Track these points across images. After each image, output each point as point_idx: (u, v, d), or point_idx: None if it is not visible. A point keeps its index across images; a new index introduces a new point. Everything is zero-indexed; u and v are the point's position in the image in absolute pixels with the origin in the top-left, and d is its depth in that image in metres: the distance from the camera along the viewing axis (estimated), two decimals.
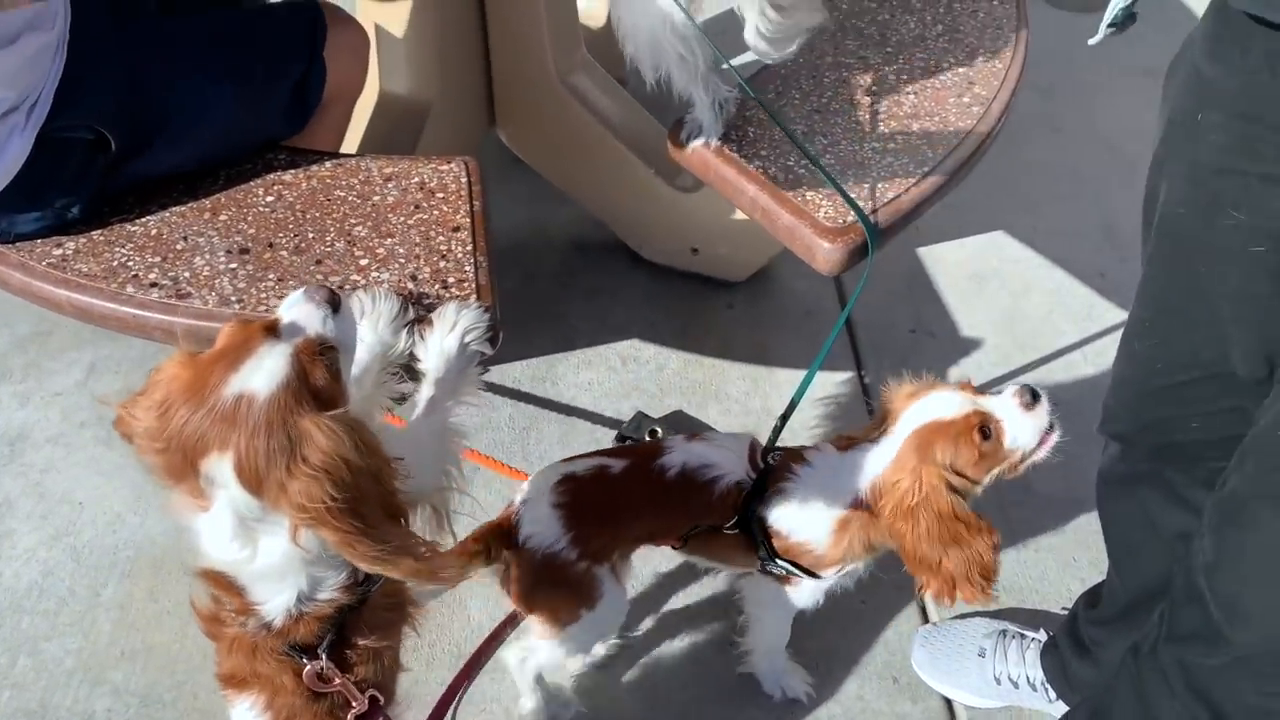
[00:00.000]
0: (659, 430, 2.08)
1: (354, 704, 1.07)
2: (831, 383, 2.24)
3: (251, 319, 1.14)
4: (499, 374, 2.28)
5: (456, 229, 1.61)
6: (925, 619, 1.81)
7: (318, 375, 0.98)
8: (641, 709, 1.70)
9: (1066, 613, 1.64)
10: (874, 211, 1.68)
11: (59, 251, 1.53)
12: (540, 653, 1.54)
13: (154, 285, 1.49)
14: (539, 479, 1.50)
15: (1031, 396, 1.35)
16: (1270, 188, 0.96)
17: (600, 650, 1.71)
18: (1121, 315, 2.39)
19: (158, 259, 1.52)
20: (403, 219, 1.62)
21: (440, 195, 1.66)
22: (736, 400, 2.22)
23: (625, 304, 2.44)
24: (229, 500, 0.95)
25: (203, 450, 0.94)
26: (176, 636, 1.77)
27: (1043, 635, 1.67)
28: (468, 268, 1.54)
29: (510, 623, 1.58)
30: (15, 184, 1.47)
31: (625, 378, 2.27)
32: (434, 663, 1.76)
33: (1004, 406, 1.36)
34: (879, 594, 1.84)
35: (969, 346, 2.35)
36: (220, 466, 0.94)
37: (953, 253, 2.59)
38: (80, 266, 1.51)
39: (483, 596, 1.81)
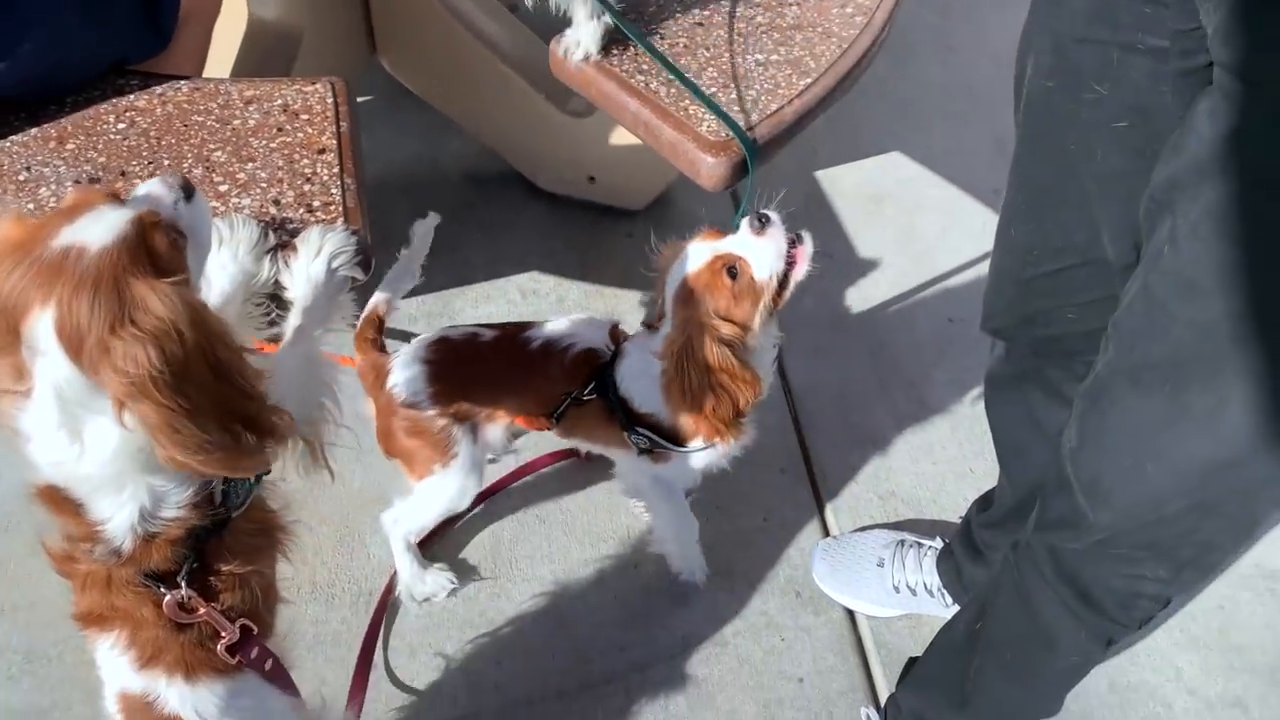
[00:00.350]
0: None
1: (223, 634, 1.03)
2: None
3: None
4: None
5: (322, 151, 1.54)
6: (826, 532, 1.84)
7: (160, 243, 0.89)
8: (547, 635, 1.69)
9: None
10: (754, 126, 1.66)
11: None
12: (405, 516, 1.61)
13: None
14: (418, 341, 1.55)
15: (761, 221, 1.37)
16: (1130, 58, 0.95)
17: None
18: None
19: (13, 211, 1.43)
20: (265, 143, 1.55)
21: (305, 117, 1.59)
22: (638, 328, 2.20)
23: (522, 236, 2.39)
24: (50, 373, 0.85)
25: (24, 308, 0.84)
26: (60, 592, 1.69)
27: (939, 543, 1.70)
28: (334, 190, 1.48)
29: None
30: None
31: (525, 310, 2.24)
32: (334, 602, 1.72)
33: (740, 242, 1.37)
34: (779, 510, 1.86)
35: (866, 267, 2.36)
36: (41, 325, 0.84)
37: (849, 175, 2.59)
38: None
39: (381, 536, 1.78)
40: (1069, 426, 1.05)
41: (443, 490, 1.57)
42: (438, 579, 1.71)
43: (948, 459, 1.95)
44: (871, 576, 1.67)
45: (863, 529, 1.79)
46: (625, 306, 2.24)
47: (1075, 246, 1.11)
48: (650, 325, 1.53)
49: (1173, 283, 0.85)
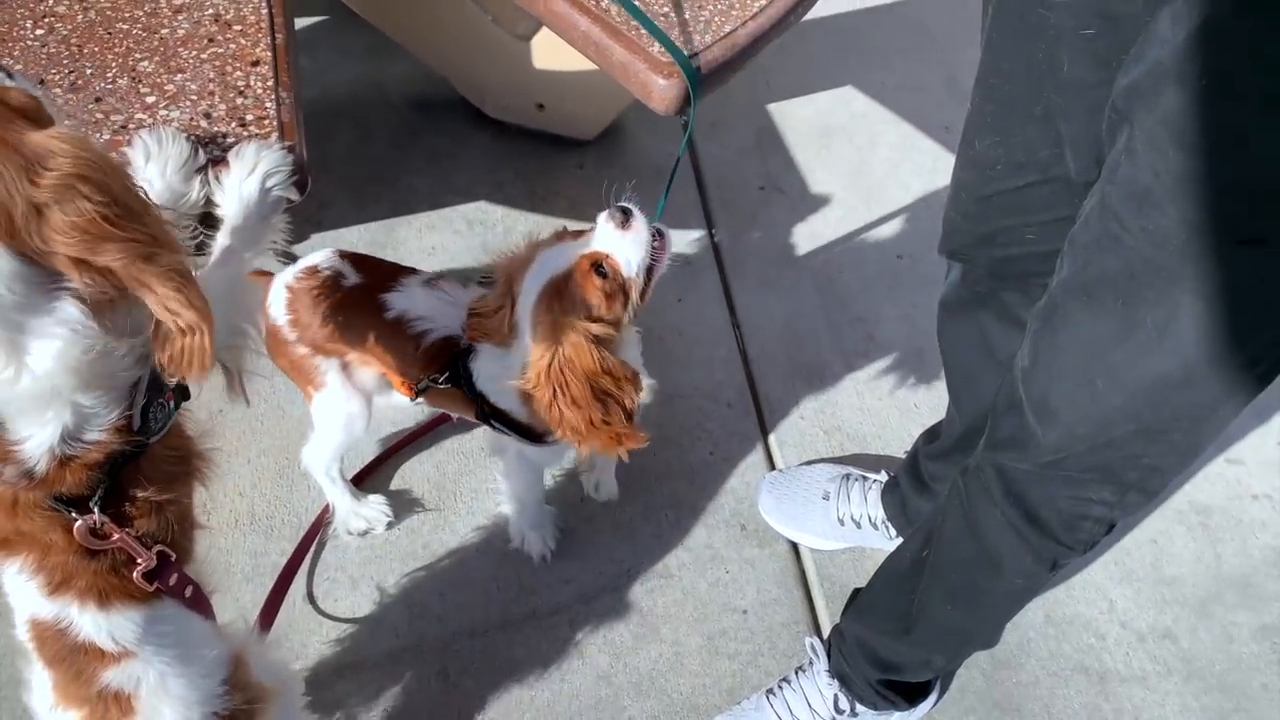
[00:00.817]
0: None
1: (139, 560, 1.00)
2: (683, 241, 2.21)
3: None
4: (335, 239, 2.15)
5: (256, 63, 1.47)
6: (772, 467, 1.84)
7: (17, 98, 0.84)
8: (491, 568, 1.68)
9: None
10: (708, 47, 1.61)
11: None
12: (313, 446, 1.60)
13: None
14: (296, 265, 1.50)
15: (623, 215, 1.29)
16: None
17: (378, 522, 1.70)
18: None
19: None
20: (195, 53, 1.47)
21: (238, 28, 1.51)
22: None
23: (469, 165, 2.33)
24: None
25: None
26: None
27: (884, 477, 1.71)
28: (269, 104, 1.41)
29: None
30: None
31: (471, 241, 2.19)
32: (273, 534, 1.69)
33: (605, 238, 1.29)
34: (726, 444, 1.86)
35: (817, 203, 2.34)
36: None
37: (801, 109, 2.56)
38: None
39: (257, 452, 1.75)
40: (1022, 346, 1.05)
41: (326, 416, 1.55)
42: (373, 511, 1.69)
43: (893, 395, 1.96)
44: (817, 510, 1.68)
45: (808, 463, 1.80)
46: None
47: (1038, 162, 1.09)
48: (485, 337, 1.40)
49: (1126, 192, 0.84)
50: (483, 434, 1.80)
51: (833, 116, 2.54)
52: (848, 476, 1.71)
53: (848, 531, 1.67)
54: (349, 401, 1.54)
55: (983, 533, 1.13)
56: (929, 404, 1.95)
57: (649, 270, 1.33)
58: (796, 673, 1.51)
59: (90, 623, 0.99)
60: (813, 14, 1.81)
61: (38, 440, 0.91)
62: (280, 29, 1.52)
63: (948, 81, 2.67)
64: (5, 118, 0.81)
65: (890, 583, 1.38)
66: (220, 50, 1.48)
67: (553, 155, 2.37)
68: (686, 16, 1.65)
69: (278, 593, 1.55)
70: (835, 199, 2.35)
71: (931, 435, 1.59)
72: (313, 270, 1.49)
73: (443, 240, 2.18)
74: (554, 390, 1.27)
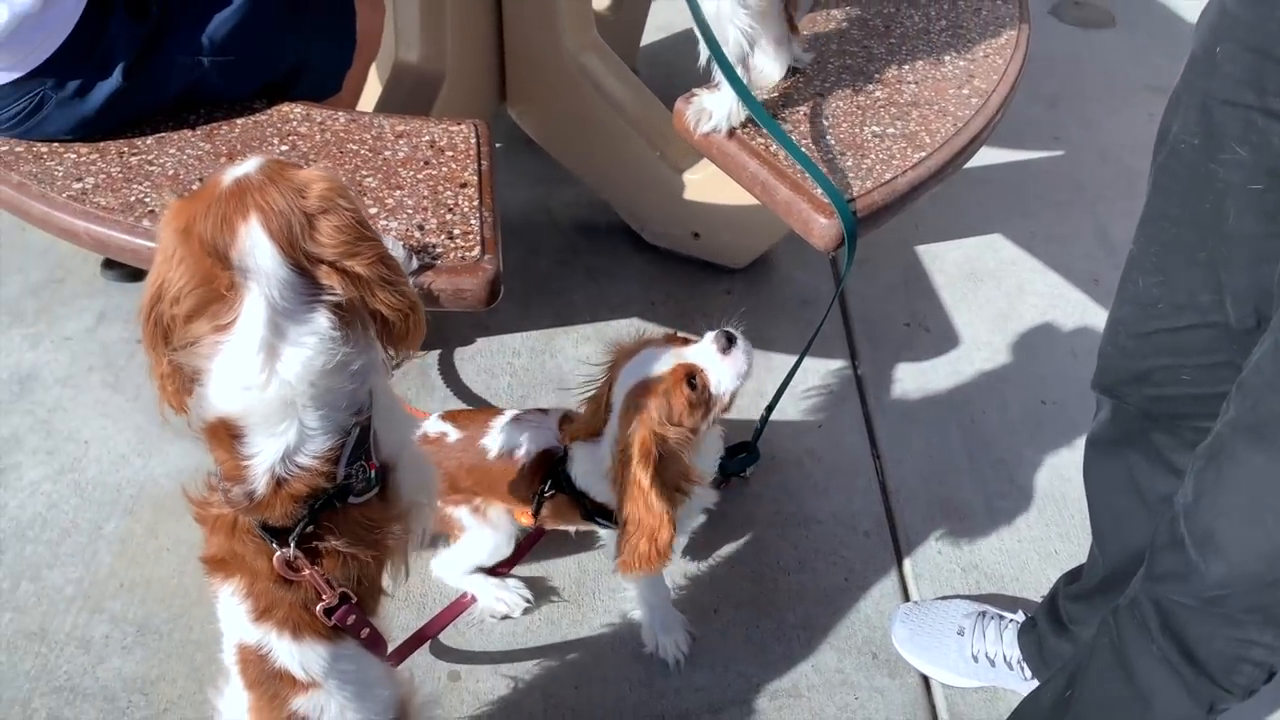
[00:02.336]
0: None
1: (324, 596, 1.11)
2: (825, 371, 2.29)
3: None
4: (499, 344, 2.33)
5: (464, 185, 1.66)
6: (906, 598, 1.85)
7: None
8: (624, 666, 1.73)
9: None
10: (869, 192, 1.73)
11: (78, 185, 1.58)
12: (451, 558, 1.77)
13: None
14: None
15: (728, 340, 1.44)
16: (1272, 123, 0.98)
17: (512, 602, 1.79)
18: None
19: (173, 196, 1.57)
20: (412, 173, 1.67)
21: (449, 153, 1.71)
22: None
23: (625, 284, 2.49)
24: (263, 286, 0.96)
25: (230, 230, 0.96)
26: (174, 572, 1.82)
27: (1021, 616, 1.70)
28: (474, 221, 1.59)
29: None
30: (69, 41, 1.50)
31: None
32: (425, 611, 1.79)
33: (705, 355, 1.44)
34: (861, 572, 1.88)
35: (962, 344, 2.39)
36: (252, 233, 0.96)
37: (950, 252, 2.63)
38: (99, 200, 1.56)
39: None
40: (1184, 484, 1.06)
41: (473, 548, 1.73)
42: (513, 596, 1.78)
43: (1033, 538, 1.96)
44: (951, 644, 1.68)
45: (945, 597, 1.80)
46: None
47: (1198, 305, 1.13)
48: (580, 432, 1.56)
49: None
50: None
51: (981, 262, 2.60)
52: (984, 614, 1.71)
53: (981, 669, 1.66)
54: (493, 537, 1.71)
55: (1134, 669, 1.13)
56: (1068, 550, 1.93)
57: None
58: None
59: (286, 651, 1.11)
60: (967, 164, 1.90)
61: (264, 457, 1.03)
62: (486, 156, 1.72)
63: (1097, 234, 2.71)
64: (282, 164, 1.02)
65: None
66: (434, 172, 1.68)
67: (704, 279, 2.50)
68: (850, 163, 1.78)
69: (413, 642, 1.63)
70: (981, 341, 2.39)
71: (1072, 577, 1.59)
72: (425, 437, 1.69)
73: (596, 351, 2.31)
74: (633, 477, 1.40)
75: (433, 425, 1.71)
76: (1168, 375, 1.21)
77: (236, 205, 0.96)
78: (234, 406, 1.01)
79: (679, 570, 1.87)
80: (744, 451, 1.98)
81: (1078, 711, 1.25)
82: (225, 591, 1.12)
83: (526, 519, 1.69)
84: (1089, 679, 1.22)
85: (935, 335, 2.41)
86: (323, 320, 0.99)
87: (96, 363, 2.20)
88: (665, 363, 1.43)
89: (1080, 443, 2.10)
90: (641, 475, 1.38)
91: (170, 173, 1.62)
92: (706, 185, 2.34)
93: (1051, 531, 1.97)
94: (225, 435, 1.03)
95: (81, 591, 1.78)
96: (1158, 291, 1.17)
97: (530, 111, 2.49)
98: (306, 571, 1.09)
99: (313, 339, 0.99)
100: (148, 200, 1.57)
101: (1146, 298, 1.19)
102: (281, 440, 1.03)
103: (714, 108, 1.72)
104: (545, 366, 2.28)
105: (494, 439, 1.65)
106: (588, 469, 1.55)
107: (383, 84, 2.32)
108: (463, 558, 1.76)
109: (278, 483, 1.04)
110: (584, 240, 2.61)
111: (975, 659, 1.66)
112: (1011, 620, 1.69)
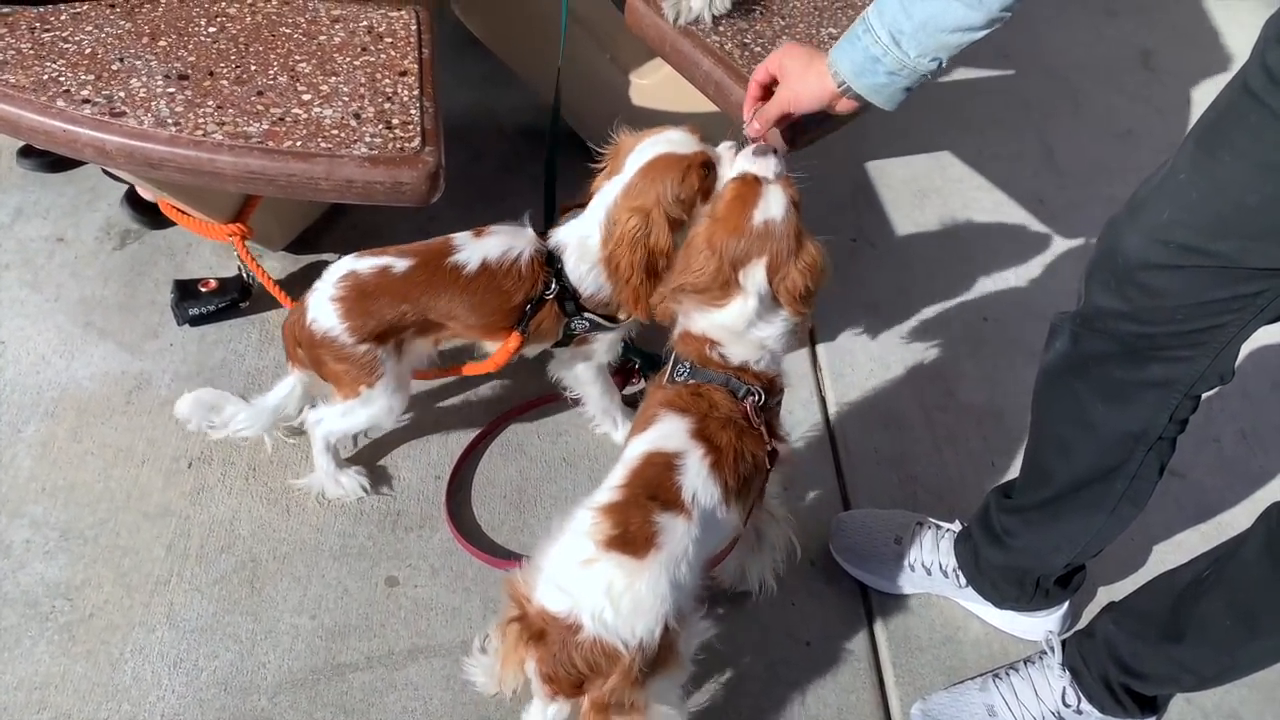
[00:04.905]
0: None
1: (768, 442, 1.40)
2: None
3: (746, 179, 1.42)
4: None
5: (404, 73, 1.58)
6: (846, 507, 1.87)
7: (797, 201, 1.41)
8: None
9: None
10: None
11: None
12: (329, 419, 1.69)
13: (86, 102, 1.44)
14: (326, 277, 1.60)
15: (766, 151, 1.44)
16: None
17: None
18: (1058, 241, 2.45)
19: (91, 77, 1.47)
20: (349, 59, 1.59)
21: (389, 40, 1.63)
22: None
23: (570, 191, 2.42)
24: (753, 293, 1.36)
25: (746, 260, 1.35)
26: (99, 476, 1.75)
27: (957, 526, 1.73)
28: (413, 111, 1.52)
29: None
30: None
31: None
32: (361, 519, 1.76)
33: (725, 154, 1.51)
34: (800, 482, 1.89)
35: (906, 260, 2.39)
36: (757, 268, 1.35)
37: (898, 169, 2.62)
38: (8, 77, 1.45)
39: (412, 461, 1.83)
40: None
41: (368, 408, 1.66)
42: (352, 481, 1.77)
43: (970, 451, 1.99)
44: (888, 553, 1.71)
45: (882, 509, 1.82)
46: None
47: (1222, 252, 1.11)
48: (569, 207, 1.67)
49: None
50: (558, 429, 1.88)
51: (928, 179, 2.59)
52: (920, 524, 1.73)
53: (917, 577, 1.69)
54: (397, 393, 1.66)
55: None
56: (1005, 464, 1.97)
57: None
58: (1025, 663, 1.57)
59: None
60: None
61: (735, 352, 1.41)
62: (427, 45, 1.64)
63: (1043, 153, 2.72)
64: (799, 229, 1.39)
65: (1162, 593, 1.40)
66: (372, 59, 1.60)
67: None
68: None
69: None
70: (925, 258, 2.39)
71: (1005, 491, 1.61)
72: (352, 274, 1.58)
73: None
74: (629, 250, 1.50)
75: (356, 263, 1.59)
76: (1159, 311, 1.20)
77: (760, 244, 1.35)
78: (715, 331, 1.41)
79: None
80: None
81: (1222, 586, 1.29)
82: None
83: (508, 340, 1.65)
84: (1242, 560, 1.26)
85: (880, 250, 2.40)
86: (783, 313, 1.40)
87: (13, 260, 2.09)
88: (690, 144, 1.51)
89: (1018, 360, 2.14)
90: (665, 236, 1.49)
91: (87, 51, 1.51)
92: (656, 91, 2.27)
93: (989, 446, 2.00)
94: (701, 340, 1.42)
95: (0, 495, 1.71)
96: (1188, 227, 1.13)
97: (475, 8, 2.37)
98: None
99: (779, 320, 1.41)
100: (62, 79, 1.46)
101: (1167, 230, 1.15)
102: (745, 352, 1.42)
103: (692, 0, 1.67)
104: None
105: (468, 254, 1.59)
106: (578, 255, 1.61)
107: None
108: (350, 419, 1.67)
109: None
110: (528, 146, 2.53)
111: (912, 568, 1.69)
112: (948, 530, 1.71)
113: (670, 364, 1.43)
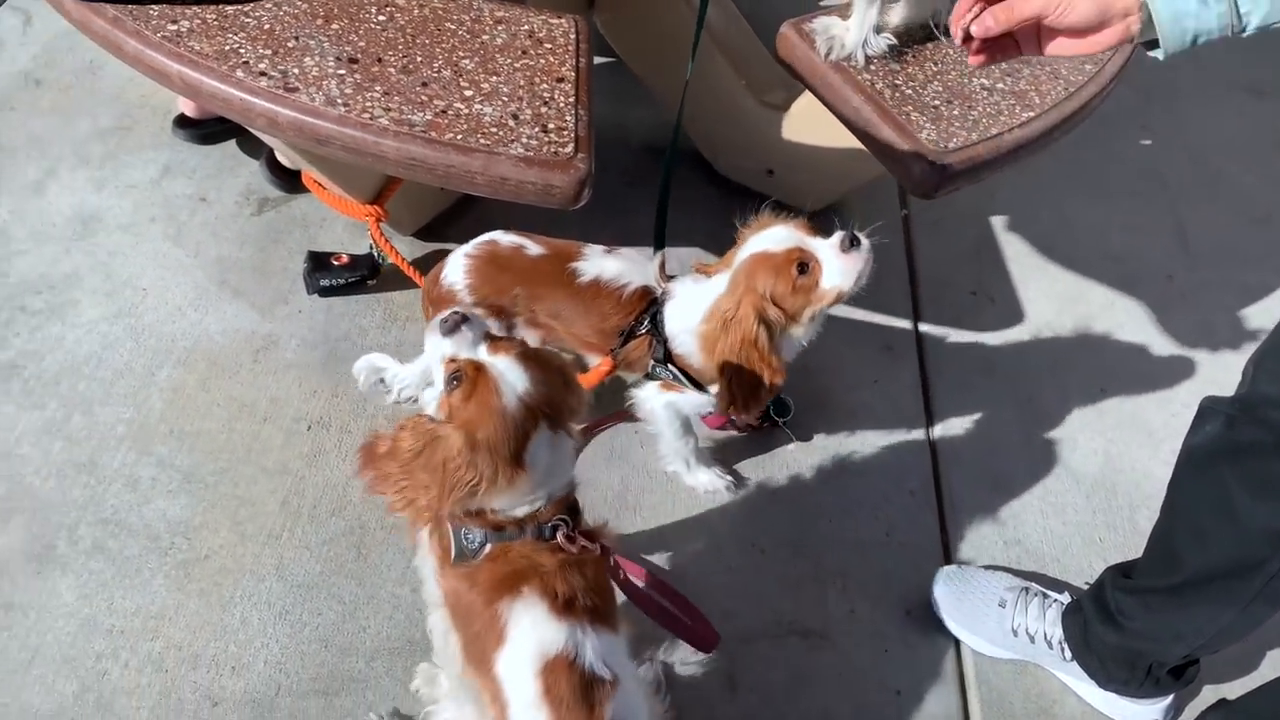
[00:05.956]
0: None
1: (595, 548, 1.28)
2: (886, 327, 2.25)
3: None
4: None
5: (561, 80, 1.61)
6: (948, 561, 1.83)
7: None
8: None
9: (1089, 585, 1.65)
10: (972, 145, 1.68)
11: (173, 27, 1.54)
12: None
13: (263, 75, 1.50)
14: (472, 241, 1.71)
15: (851, 241, 1.48)
16: None
17: None
18: (1184, 320, 2.37)
19: (268, 51, 1.53)
20: (509, 61, 1.62)
21: (548, 45, 1.66)
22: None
23: (690, 213, 2.42)
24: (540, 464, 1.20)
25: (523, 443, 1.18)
26: (223, 428, 1.82)
27: (1066, 598, 1.67)
28: (568, 117, 1.55)
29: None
30: None
31: None
32: None
33: (825, 247, 1.50)
34: (903, 529, 1.86)
35: (1027, 319, 2.34)
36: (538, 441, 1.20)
37: (1025, 226, 2.57)
38: (193, 44, 1.52)
39: None
40: None
41: None
42: None
43: (1079, 523, 1.93)
44: (991, 614, 1.66)
45: (989, 567, 1.78)
46: None
47: None
48: (701, 270, 1.66)
49: None
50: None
51: (1055, 241, 2.54)
52: (1027, 589, 1.68)
53: (1019, 643, 1.64)
54: None
55: None
56: (1114, 540, 1.90)
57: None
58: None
59: None
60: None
61: None
62: (584, 54, 1.67)
63: (1176, 231, 2.64)
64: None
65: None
66: (531, 63, 1.63)
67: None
68: (956, 112, 1.72)
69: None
70: (1045, 320, 2.34)
71: (1124, 571, 1.55)
72: (493, 242, 1.69)
73: None
74: (722, 331, 1.52)
75: (503, 235, 1.70)
76: None
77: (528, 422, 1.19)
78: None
79: (717, 497, 1.86)
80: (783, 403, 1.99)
81: None
82: None
83: (604, 368, 1.69)
84: None
85: (1000, 307, 2.36)
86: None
87: (159, 214, 2.18)
88: (784, 241, 1.50)
89: (1135, 437, 2.08)
90: (751, 326, 1.49)
91: (266, 28, 1.57)
92: (791, 121, 2.28)
93: (1099, 519, 1.94)
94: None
95: (131, 432, 1.79)
96: None
97: (617, 22, 2.41)
98: None
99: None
100: (242, 51, 1.53)
101: None
102: None
103: (846, 37, 1.66)
104: None
105: (587, 266, 1.65)
106: (681, 313, 1.61)
107: None
108: None
109: None
110: (654, 163, 2.55)
111: (1014, 632, 1.64)
112: (1055, 600, 1.66)
113: (454, 542, 1.23)
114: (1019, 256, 2.49)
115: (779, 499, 1.88)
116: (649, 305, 1.64)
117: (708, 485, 1.85)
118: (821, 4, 3.05)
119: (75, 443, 1.78)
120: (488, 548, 1.21)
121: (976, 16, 1.11)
